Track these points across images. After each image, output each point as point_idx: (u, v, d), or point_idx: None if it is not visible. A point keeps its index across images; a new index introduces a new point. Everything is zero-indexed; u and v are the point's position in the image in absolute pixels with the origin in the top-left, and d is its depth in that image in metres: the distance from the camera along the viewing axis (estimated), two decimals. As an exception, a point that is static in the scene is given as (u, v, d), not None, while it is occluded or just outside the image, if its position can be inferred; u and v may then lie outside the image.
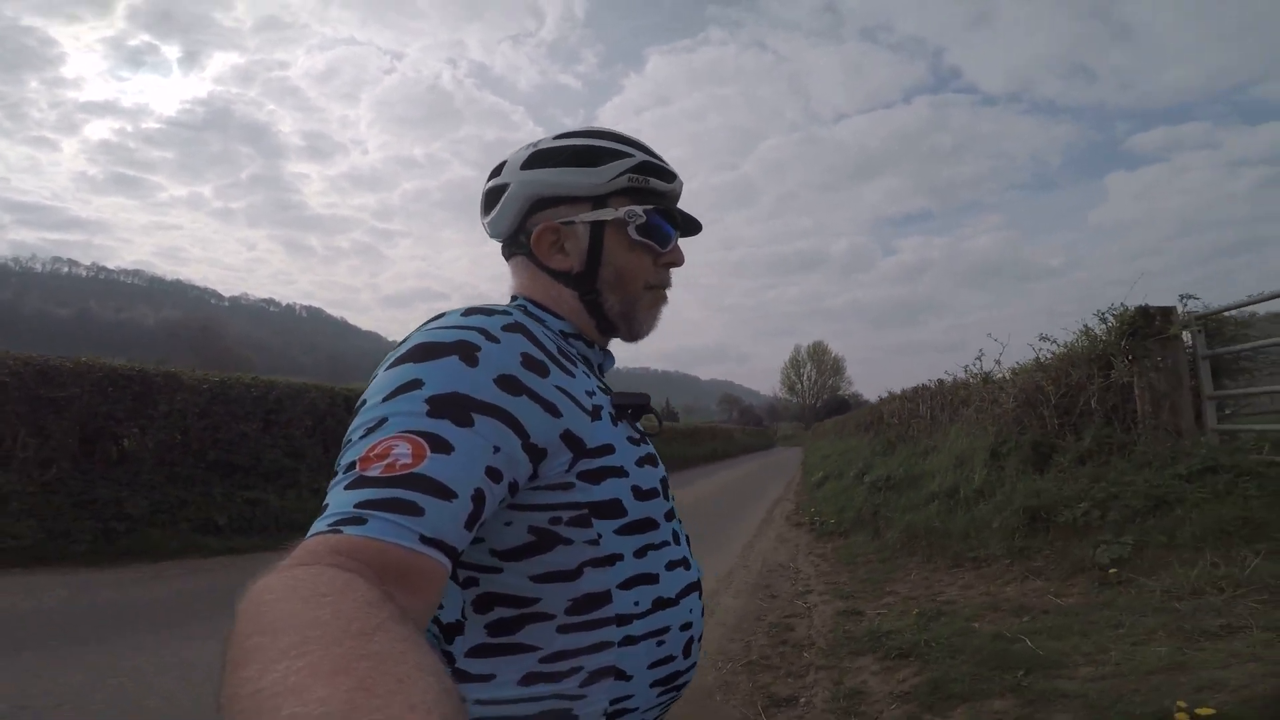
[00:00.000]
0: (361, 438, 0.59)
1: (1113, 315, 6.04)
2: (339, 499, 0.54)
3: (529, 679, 0.67)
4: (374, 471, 0.55)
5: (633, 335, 0.86)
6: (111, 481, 6.68)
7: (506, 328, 0.68)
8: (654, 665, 0.72)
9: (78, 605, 4.62)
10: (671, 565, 0.76)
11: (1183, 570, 3.55)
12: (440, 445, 0.57)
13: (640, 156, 0.83)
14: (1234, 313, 5.85)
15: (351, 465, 0.56)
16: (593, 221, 0.80)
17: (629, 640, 0.70)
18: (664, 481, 0.80)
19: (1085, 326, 6.31)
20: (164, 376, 7.40)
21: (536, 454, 0.64)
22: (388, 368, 0.64)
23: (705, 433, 28.62)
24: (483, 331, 0.66)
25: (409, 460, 0.55)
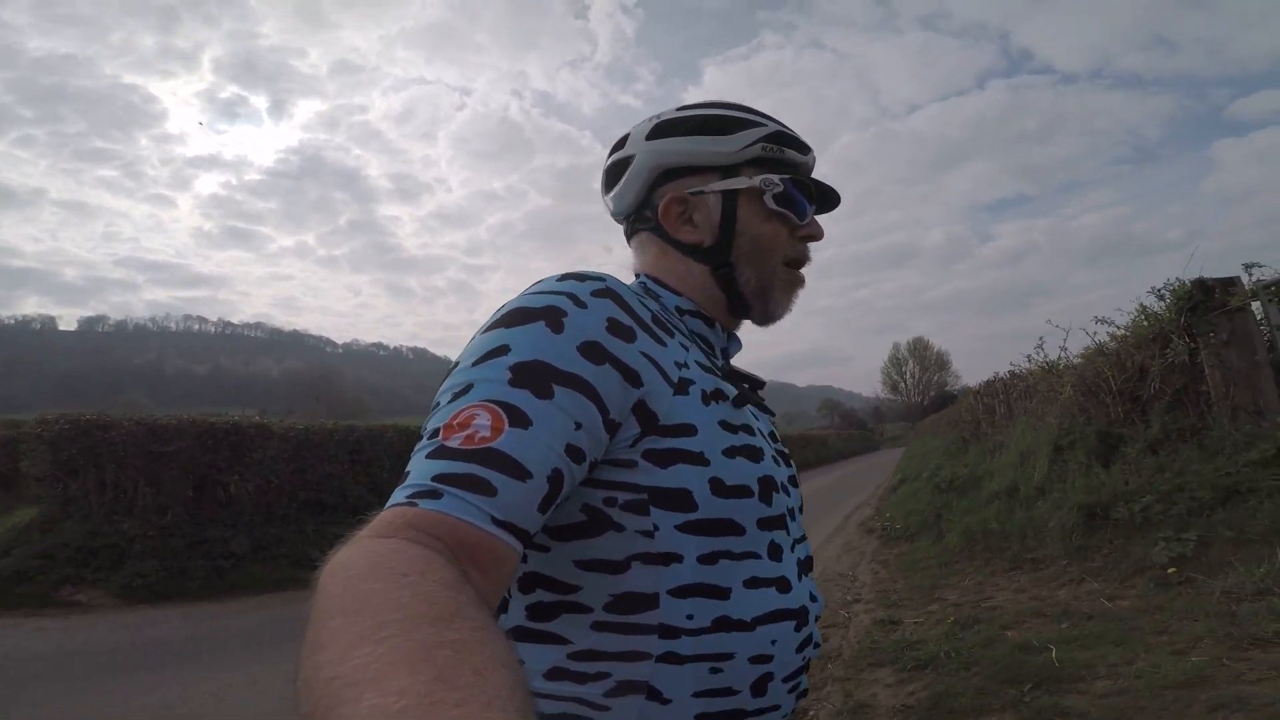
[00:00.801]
0: (449, 402, 0.57)
1: (1169, 291, 5.55)
2: (420, 468, 0.53)
3: (555, 674, 0.62)
4: (454, 442, 0.53)
5: (766, 316, 0.80)
6: (219, 524, 7.33)
7: (596, 293, 0.64)
8: (703, 695, 0.62)
9: (194, 634, 5.19)
10: (756, 583, 0.65)
11: (1248, 569, 3.20)
12: (519, 419, 0.54)
13: (774, 126, 0.78)
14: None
15: (435, 432, 0.55)
16: (725, 191, 0.76)
17: (671, 657, 0.61)
18: (768, 482, 0.67)
19: (1142, 305, 5.82)
20: (255, 428, 8.08)
21: (613, 428, 0.60)
22: (483, 332, 0.62)
23: (794, 441, 27.95)
24: (572, 297, 0.62)
25: (488, 434, 0.53)
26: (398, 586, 0.39)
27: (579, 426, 0.56)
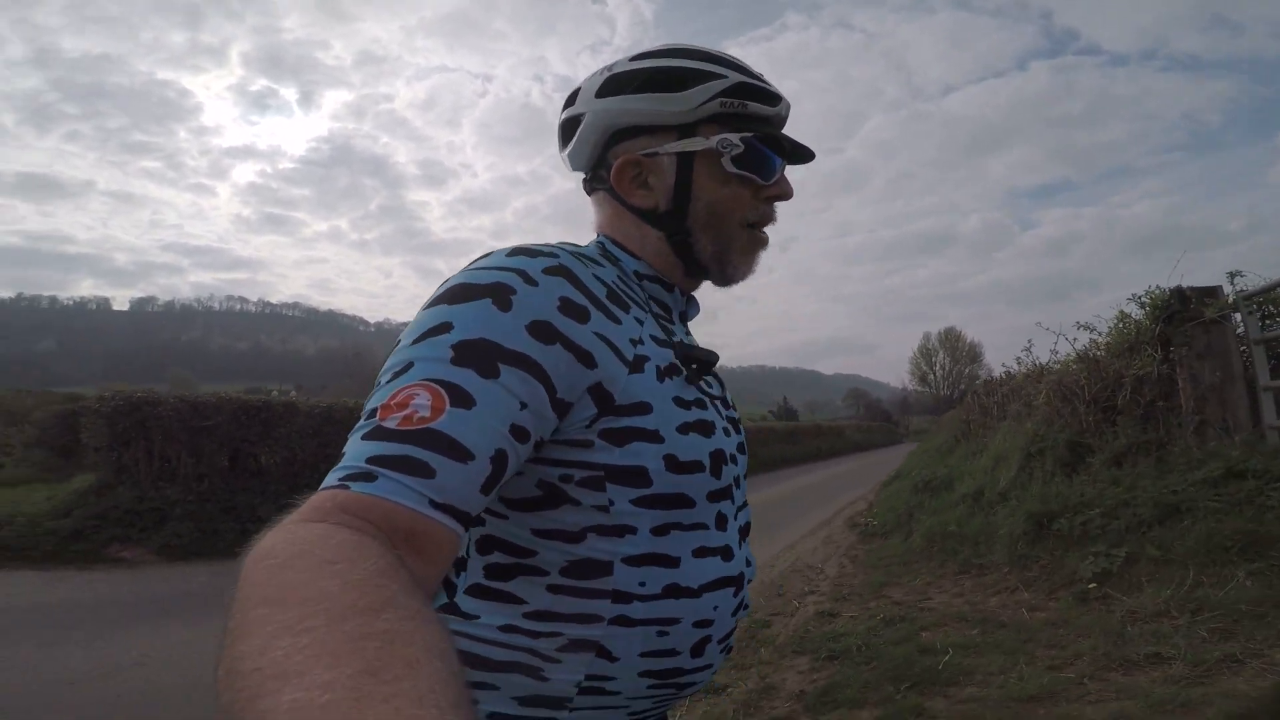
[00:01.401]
0: (388, 382, 0.54)
1: (1149, 298, 5.55)
2: (355, 449, 0.50)
3: (508, 629, 0.63)
4: (391, 423, 0.50)
5: (726, 280, 0.76)
6: (249, 491, 7.87)
7: (548, 270, 0.61)
8: (648, 655, 0.64)
9: (219, 587, 5.71)
10: (703, 552, 0.66)
11: (1157, 589, 3.33)
12: (461, 398, 0.52)
13: (735, 77, 0.70)
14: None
15: (373, 412, 0.52)
16: (680, 153, 0.70)
17: (623, 620, 0.62)
18: (719, 456, 0.67)
19: (1122, 312, 5.82)
20: (284, 405, 8.61)
21: (563, 408, 0.58)
22: (425, 308, 0.59)
23: (807, 431, 27.73)
24: (522, 274, 0.59)
25: (427, 414, 0.51)
26: (324, 575, 0.38)
27: (524, 406, 0.55)
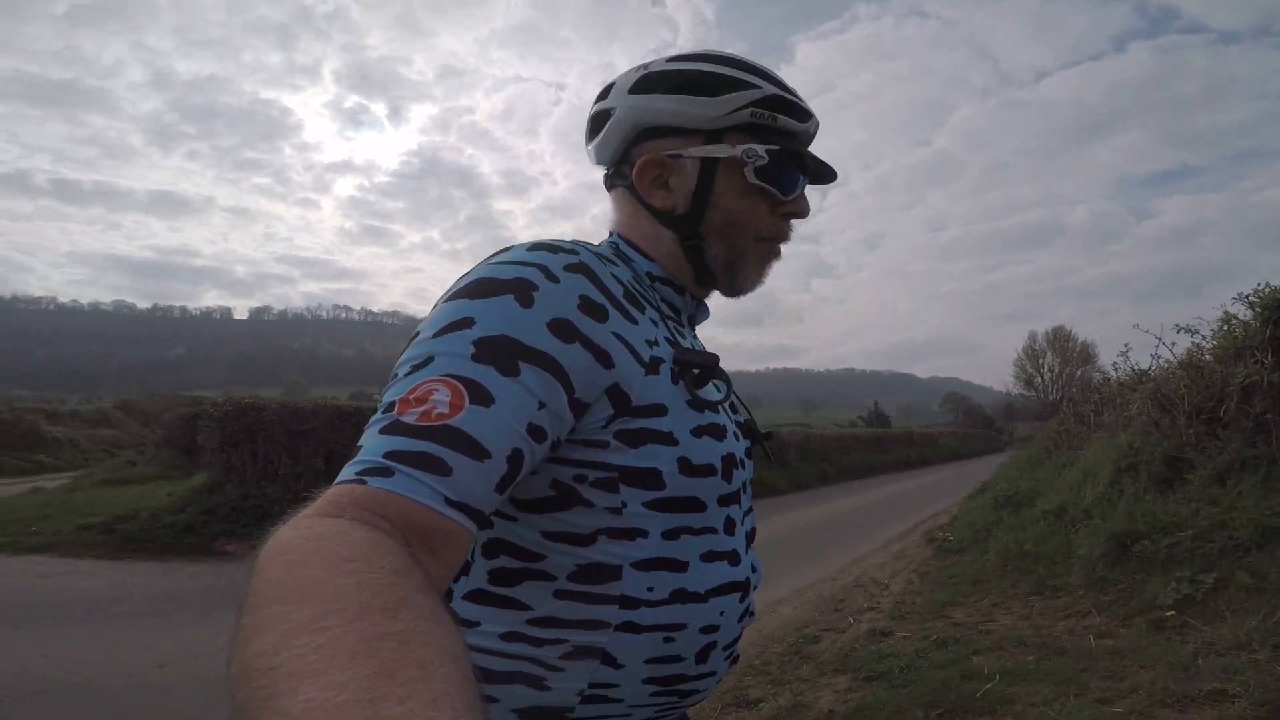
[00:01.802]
0: (406, 375, 0.54)
1: (1257, 298, 5.02)
2: (373, 443, 0.50)
3: (510, 636, 0.62)
4: (410, 418, 0.50)
5: (734, 290, 0.76)
6: None
7: (569, 267, 0.61)
8: (653, 661, 0.63)
9: None
10: (711, 556, 0.66)
11: (1240, 619, 3.05)
12: (480, 395, 0.52)
13: (769, 89, 0.71)
14: None
15: (391, 406, 0.52)
16: (704, 158, 0.70)
17: (630, 627, 0.61)
18: (730, 460, 0.67)
19: (1226, 313, 5.28)
20: (373, 412, 9.35)
21: (580, 408, 0.58)
22: (445, 300, 0.59)
23: (897, 439, 26.50)
24: (544, 269, 0.59)
25: (445, 410, 0.51)
26: (340, 573, 0.38)
27: (543, 406, 0.55)
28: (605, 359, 0.59)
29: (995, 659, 3.29)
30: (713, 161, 0.70)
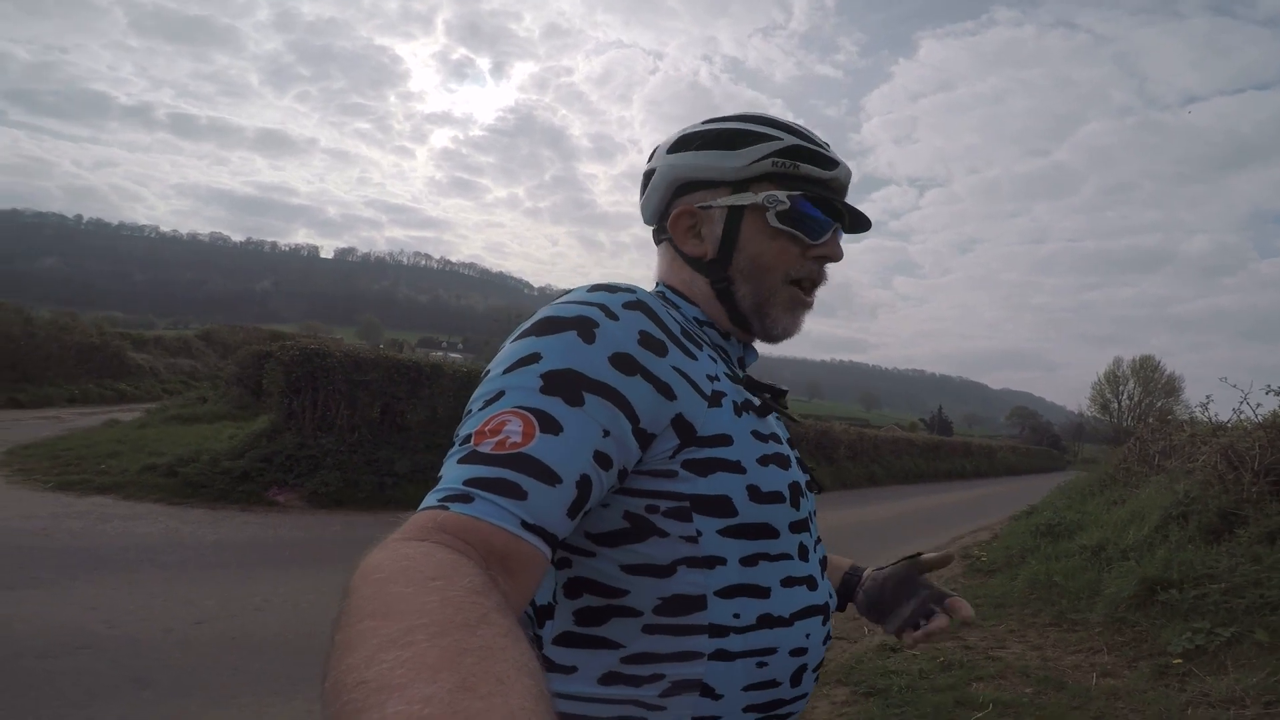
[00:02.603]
0: (480, 409, 0.58)
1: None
2: (452, 472, 0.54)
3: (609, 678, 0.64)
4: (486, 447, 0.54)
5: (766, 333, 0.79)
6: (391, 445, 8.84)
7: (628, 305, 0.65)
8: (751, 688, 0.65)
9: (348, 538, 6.46)
10: (790, 582, 0.69)
11: (1242, 675, 3.06)
12: (550, 425, 0.56)
13: (789, 140, 0.76)
14: None
15: (467, 438, 0.56)
16: (730, 206, 0.76)
17: (722, 655, 0.64)
18: (795, 488, 0.71)
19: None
20: (431, 366, 9.59)
21: (645, 439, 0.62)
22: (513, 339, 0.64)
23: (953, 448, 25.92)
24: (603, 308, 0.64)
25: (519, 439, 0.55)
26: (425, 590, 0.41)
27: (607, 434, 0.58)
28: (667, 391, 0.63)
29: (994, 688, 3.41)
30: (739, 209, 0.76)
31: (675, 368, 0.64)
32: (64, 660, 3.24)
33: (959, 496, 16.96)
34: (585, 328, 0.62)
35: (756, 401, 0.72)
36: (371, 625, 0.38)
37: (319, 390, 8.83)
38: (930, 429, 49.36)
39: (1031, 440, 64.95)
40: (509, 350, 0.63)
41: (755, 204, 0.75)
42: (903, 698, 3.26)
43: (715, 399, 0.67)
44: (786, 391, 0.78)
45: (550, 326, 0.62)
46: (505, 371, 0.60)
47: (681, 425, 0.63)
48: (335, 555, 5.82)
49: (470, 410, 0.60)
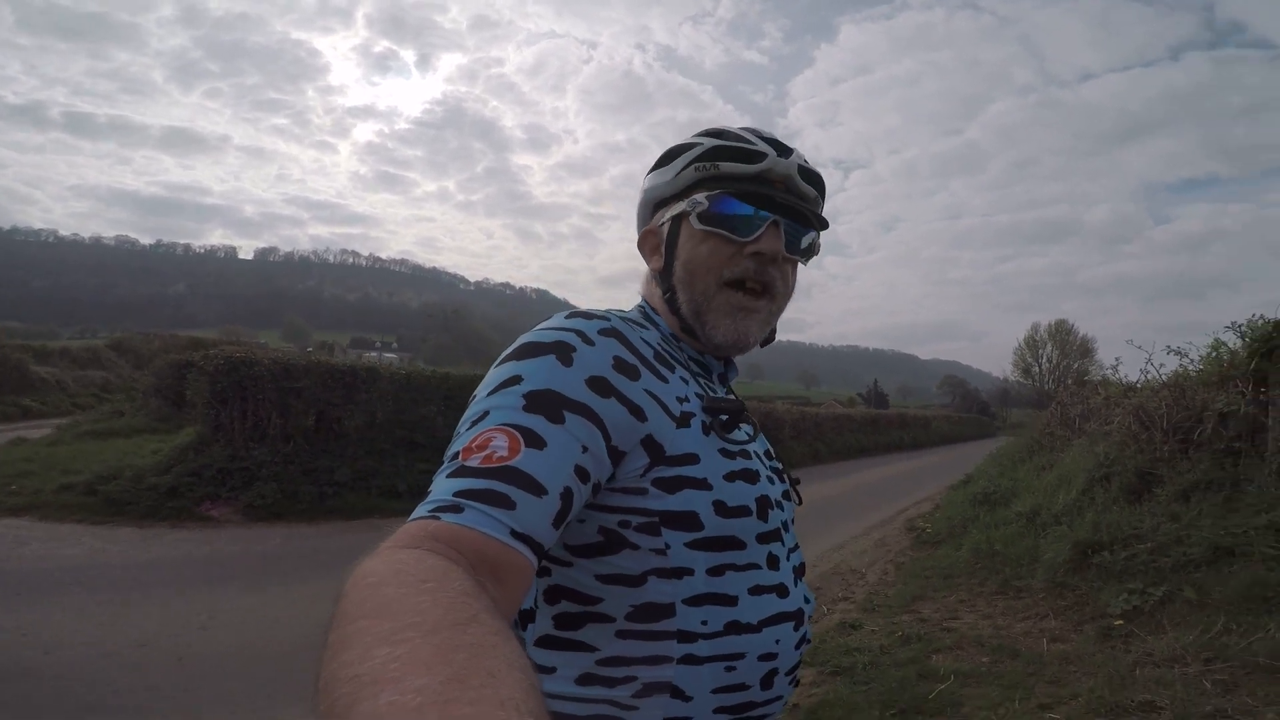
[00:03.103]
0: (467, 430, 0.62)
1: (1248, 328, 5.18)
2: (441, 486, 0.56)
3: (585, 679, 0.68)
4: (474, 462, 0.57)
5: (710, 341, 0.79)
6: (329, 454, 8.53)
7: (603, 332, 0.70)
8: (720, 691, 0.69)
9: (290, 551, 6.26)
10: (759, 590, 0.72)
11: (1180, 633, 3.28)
12: (534, 440, 0.59)
13: (708, 143, 0.78)
14: None
15: (455, 455, 0.59)
16: (671, 218, 0.80)
17: (691, 659, 0.67)
18: (764, 501, 0.74)
19: (1216, 340, 5.47)
20: (367, 370, 9.25)
21: (617, 456, 0.65)
22: (496, 365, 0.68)
23: (890, 421, 26.95)
24: (580, 334, 0.68)
25: (505, 453, 0.58)
26: (418, 592, 0.42)
27: (586, 450, 0.62)
28: (639, 413, 0.67)
29: (953, 659, 3.54)
30: (677, 219, 0.80)
31: (647, 390, 0.68)
32: (3, 689, 3.13)
33: (899, 468, 17.64)
34: (564, 352, 0.66)
35: (724, 417, 0.74)
36: (365, 625, 0.39)
37: (248, 400, 8.46)
38: (867, 403, 51.14)
39: (962, 408, 68.19)
40: (492, 375, 0.67)
41: (683, 210, 0.79)
42: (867, 675, 3.35)
43: (684, 420, 0.70)
44: (744, 408, 0.77)
45: (530, 351, 0.67)
46: (489, 394, 0.64)
47: (651, 445, 0.67)
48: (279, 568, 5.67)
49: (458, 432, 0.63)
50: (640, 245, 0.85)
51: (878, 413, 29.40)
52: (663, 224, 0.81)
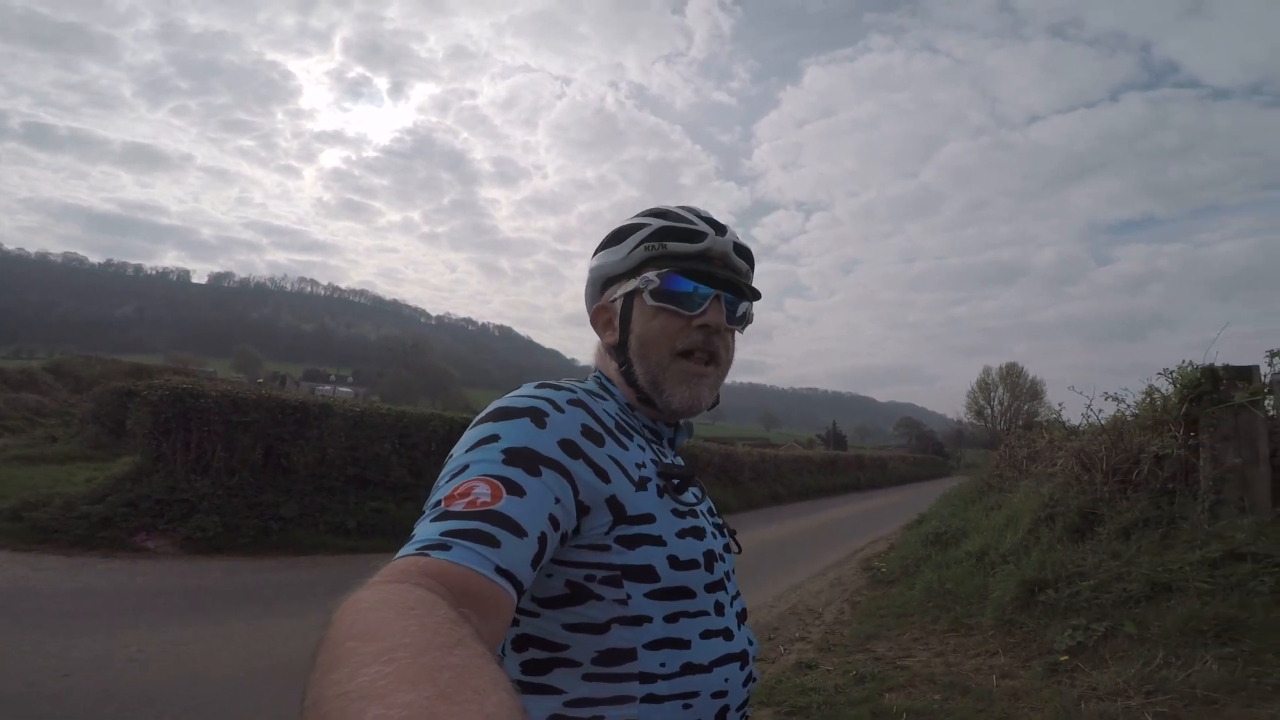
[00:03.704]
0: (447, 482, 0.67)
1: (1179, 375, 5.48)
2: (426, 529, 0.60)
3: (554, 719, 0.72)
4: (458, 507, 0.62)
5: (667, 407, 0.86)
6: (276, 489, 8.27)
7: (571, 402, 0.77)
8: None
9: (231, 585, 6.02)
10: (708, 634, 0.79)
11: (1121, 668, 3.37)
12: (515, 489, 0.65)
13: (656, 224, 0.86)
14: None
15: (438, 503, 0.64)
16: (623, 295, 0.87)
17: (652, 698, 0.73)
18: (710, 555, 0.82)
19: (1150, 387, 5.77)
20: (320, 406, 9.02)
21: (582, 510, 0.72)
22: (471, 427, 0.74)
23: (848, 462, 27.39)
24: (551, 402, 0.75)
25: (488, 499, 0.63)
26: (405, 617, 0.44)
27: (558, 501, 0.68)
28: (604, 475, 0.74)
29: (906, 696, 3.56)
30: (629, 296, 0.87)
31: (610, 456, 0.76)
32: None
33: (857, 509, 17.82)
34: (538, 416, 0.73)
35: (676, 481, 0.83)
36: (353, 645, 0.40)
37: (192, 431, 8.20)
38: (826, 444, 51.78)
39: (918, 449, 69.47)
40: (468, 435, 0.73)
41: (636, 288, 0.85)
42: (822, 714, 3.35)
43: (642, 484, 0.78)
44: (693, 475, 0.87)
45: (505, 414, 0.73)
46: (468, 450, 0.70)
47: (614, 505, 0.74)
48: (219, 603, 5.46)
49: (438, 485, 0.68)
50: (594, 321, 0.91)
51: (836, 454, 29.78)
52: (615, 300, 0.88)
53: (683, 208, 0.89)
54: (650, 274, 0.84)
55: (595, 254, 0.91)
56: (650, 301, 0.84)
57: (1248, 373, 5.13)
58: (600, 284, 0.91)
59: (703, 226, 0.86)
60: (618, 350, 0.88)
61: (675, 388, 0.85)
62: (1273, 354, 5.12)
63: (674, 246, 0.85)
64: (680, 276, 0.84)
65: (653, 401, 0.87)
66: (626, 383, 0.87)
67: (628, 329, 0.87)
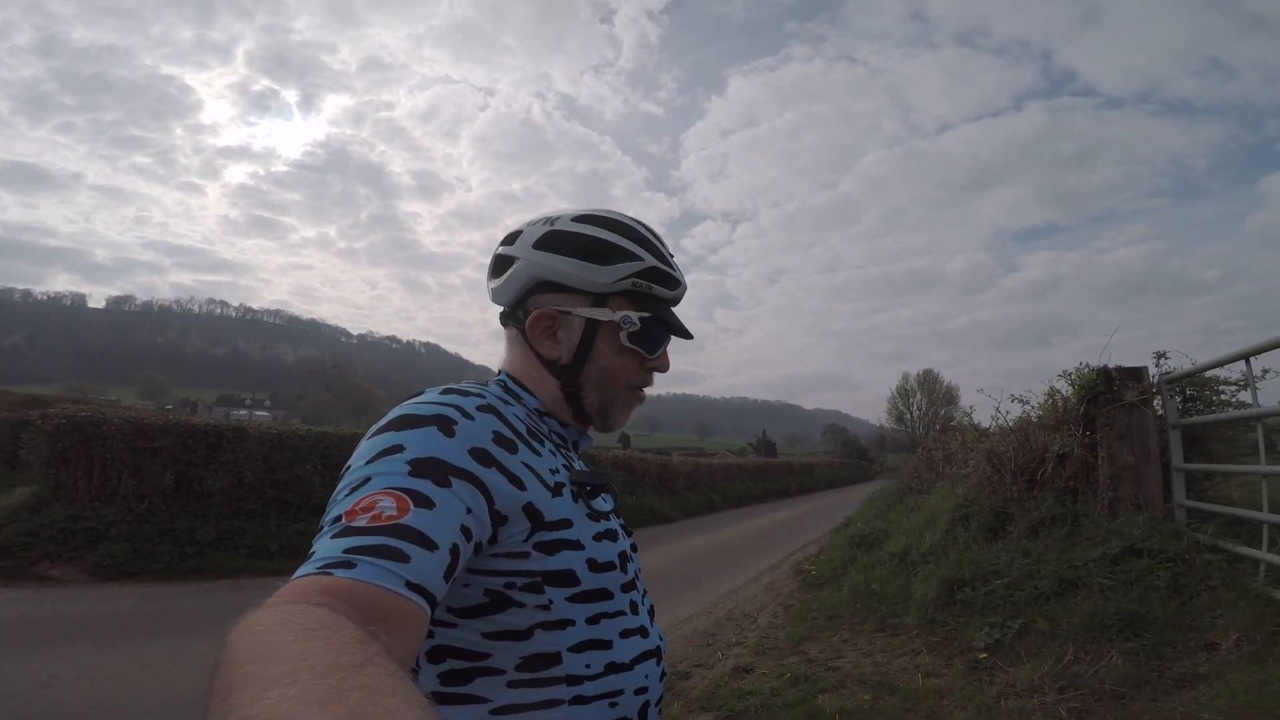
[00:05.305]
0: (346, 496, 0.62)
1: (1076, 377, 5.86)
2: (327, 546, 0.56)
3: None
4: (360, 522, 0.58)
5: (606, 428, 0.89)
6: (189, 514, 7.84)
7: (481, 408, 0.73)
8: None
9: (145, 611, 5.75)
10: (626, 633, 0.80)
11: (1035, 664, 3.54)
12: (423, 501, 0.61)
13: (650, 261, 0.84)
14: (1224, 371, 5.48)
15: (337, 519, 0.59)
16: (590, 319, 0.83)
17: (580, 700, 0.73)
18: (624, 555, 0.83)
19: (1052, 388, 6.14)
20: (233, 430, 8.59)
21: (498, 520, 0.69)
22: (370, 437, 0.69)
23: (778, 469, 28.08)
24: (459, 409, 0.71)
25: (394, 513, 0.59)
26: (307, 639, 0.41)
27: (470, 512, 0.65)
28: (518, 483, 0.72)
29: (838, 698, 3.64)
30: (596, 322, 0.84)
31: (524, 463, 0.74)
32: None
33: (789, 514, 18.22)
34: (445, 424, 0.69)
35: (589, 488, 0.83)
36: (253, 670, 0.37)
37: (95, 459, 7.73)
38: (758, 452, 52.92)
39: (844, 454, 71.72)
40: (366, 446, 0.68)
41: (612, 321, 0.83)
42: (760, 717, 3.39)
43: (558, 489, 0.77)
44: (607, 482, 0.88)
45: (409, 423, 0.69)
46: (368, 462, 0.65)
47: (531, 512, 0.73)
48: (135, 628, 5.20)
49: (335, 499, 0.63)
50: (531, 326, 0.84)
51: (767, 461, 30.47)
52: (571, 315, 0.83)
53: (649, 230, 0.88)
54: (632, 314, 0.84)
55: (546, 250, 0.83)
56: (625, 342, 0.84)
57: (1138, 373, 5.50)
58: (536, 281, 0.83)
59: (680, 275, 0.89)
60: (566, 369, 0.84)
61: (619, 414, 0.88)
62: (1159, 355, 5.54)
63: (658, 290, 0.86)
64: (660, 327, 0.86)
65: (590, 421, 0.88)
66: (567, 401, 0.86)
67: (587, 355, 0.84)
